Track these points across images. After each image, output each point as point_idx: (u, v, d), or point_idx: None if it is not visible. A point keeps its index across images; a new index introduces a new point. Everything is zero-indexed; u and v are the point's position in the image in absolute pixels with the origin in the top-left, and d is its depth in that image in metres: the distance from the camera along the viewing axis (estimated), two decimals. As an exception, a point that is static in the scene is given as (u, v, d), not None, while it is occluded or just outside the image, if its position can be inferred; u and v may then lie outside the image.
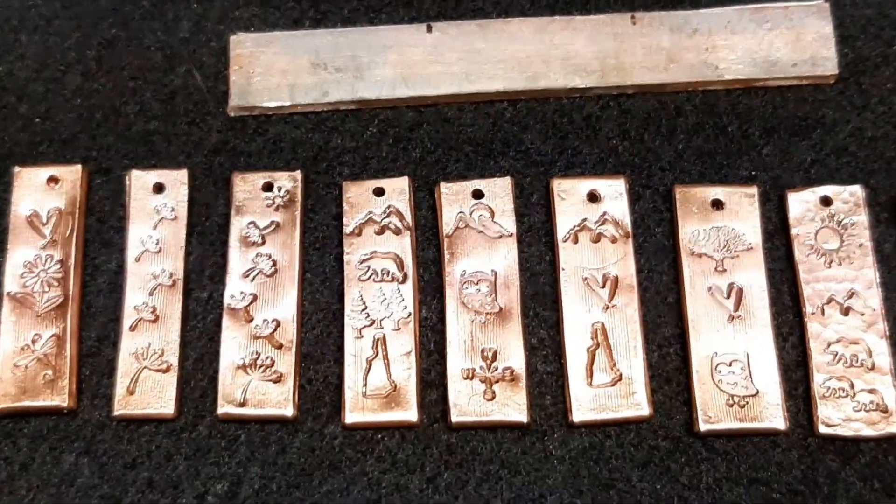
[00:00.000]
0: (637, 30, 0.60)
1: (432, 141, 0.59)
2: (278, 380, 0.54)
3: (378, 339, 0.55)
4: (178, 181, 0.58)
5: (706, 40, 0.60)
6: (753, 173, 0.58)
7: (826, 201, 0.57)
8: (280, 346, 0.55)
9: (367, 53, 0.60)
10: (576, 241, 0.57)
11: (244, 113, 0.60)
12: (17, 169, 0.58)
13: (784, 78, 0.59)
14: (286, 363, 0.55)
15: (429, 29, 0.60)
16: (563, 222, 0.57)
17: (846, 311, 0.54)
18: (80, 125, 0.60)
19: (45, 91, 0.61)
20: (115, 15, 0.62)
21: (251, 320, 0.55)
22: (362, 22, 0.62)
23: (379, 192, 0.58)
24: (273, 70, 0.60)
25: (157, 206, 0.58)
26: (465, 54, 0.60)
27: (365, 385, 0.54)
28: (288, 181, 0.58)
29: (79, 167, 0.58)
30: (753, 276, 0.55)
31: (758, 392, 0.53)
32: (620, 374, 0.54)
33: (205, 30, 0.62)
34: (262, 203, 0.57)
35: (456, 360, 0.54)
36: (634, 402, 0.54)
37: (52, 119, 0.60)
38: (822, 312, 0.55)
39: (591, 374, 0.54)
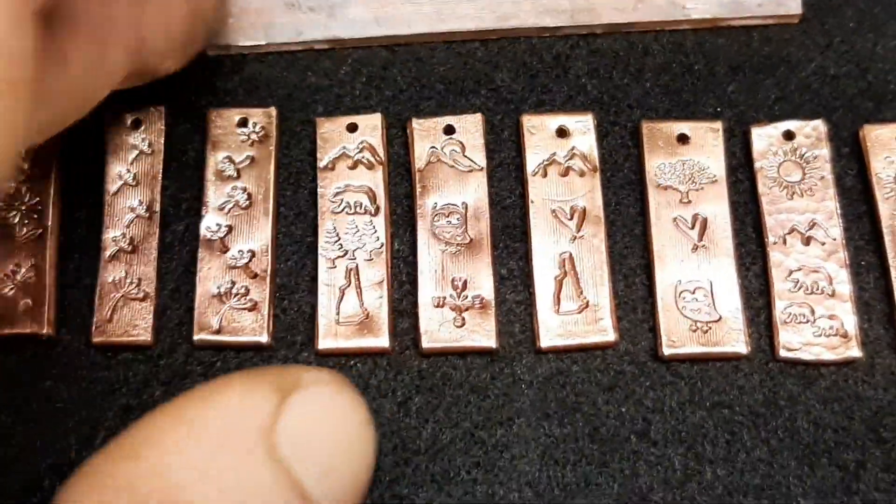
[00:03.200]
0: (606, -30, 0.61)
1: (405, 80, 0.61)
2: (253, 308, 0.55)
3: (351, 270, 0.56)
4: (154, 117, 0.59)
5: (674, -19, 0.61)
6: (719, 110, 0.59)
7: (789, 136, 0.58)
8: (255, 276, 0.56)
9: (340, -7, 0.61)
10: (545, 175, 0.58)
11: (220, 52, 0.61)
12: (-4, 105, 0.59)
13: (750, 18, 0.60)
14: (261, 292, 0.56)
15: (400, -32, 0.62)
16: (533, 157, 0.58)
17: (807, 241, 0.56)
18: (59, 64, 0.61)
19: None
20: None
21: (226, 251, 0.57)
22: (336, -37, 0.63)
23: (352, 128, 0.59)
24: (248, 10, 0.61)
25: (134, 141, 0.59)
26: (436, -6, 0.61)
27: (338, 313, 0.55)
28: (263, 117, 0.59)
29: (58, 104, 0.59)
30: (717, 208, 0.57)
31: (720, 318, 0.55)
32: (587, 302, 0.55)
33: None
34: (237, 138, 0.59)
35: (427, 290, 0.56)
36: (600, 329, 0.55)
37: (32, 59, 0.61)
38: (784, 242, 0.56)
39: (558, 302, 0.55)
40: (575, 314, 0.55)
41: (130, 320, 0.56)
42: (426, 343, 0.55)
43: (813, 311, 0.55)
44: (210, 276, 0.56)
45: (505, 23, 0.61)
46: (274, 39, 0.61)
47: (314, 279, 0.56)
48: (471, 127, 0.59)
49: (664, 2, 0.60)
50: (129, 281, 0.56)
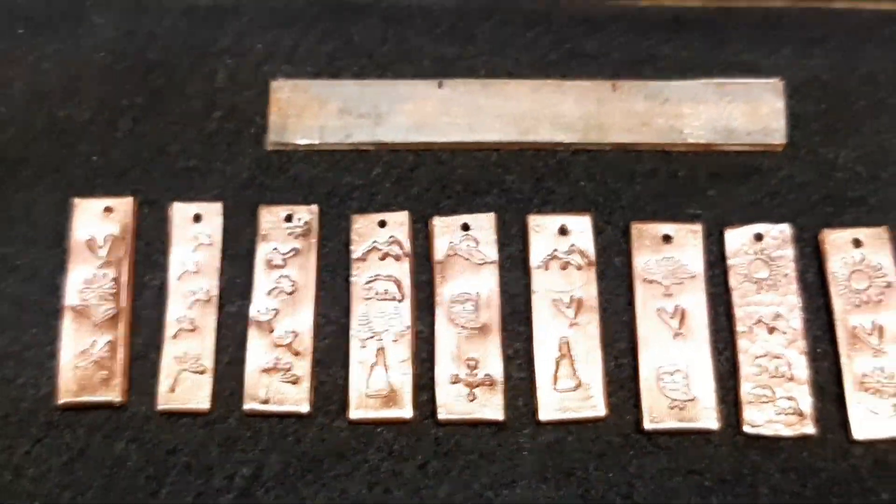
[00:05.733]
0: (617, 96, 0.69)
1: (428, 180, 0.68)
2: (295, 381, 0.63)
3: (379, 349, 0.64)
4: (213, 212, 0.67)
5: (675, 108, 0.69)
6: (699, 212, 0.67)
7: (758, 237, 0.65)
8: (297, 353, 0.64)
9: (387, 104, 0.69)
10: (547, 268, 0.65)
11: (280, 148, 0.69)
12: (76, 200, 0.67)
13: (739, 144, 0.68)
14: (302, 367, 0.63)
15: (440, 85, 0.70)
16: (537, 252, 0.66)
17: (771, 331, 0.63)
18: (131, 162, 0.69)
19: (102, 132, 0.70)
20: (161, 68, 0.72)
21: (273, 331, 0.64)
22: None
23: (382, 224, 0.67)
24: (306, 113, 0.69)
25: (195, 233, 0.67)
26: (469, 109, 0.69)
27: (367, 387, 0.63)
28: (306, 213, 0.67)
29: (130, 199, 0.67)
30: (695, 300, 0.64)
31: (695, 397, 0.62)
32: (581, 381, 0.63)
33: (238, 81, 0.71)
34: (283, 232, 0.66)
35: (444, 367, 0.63)
36: (592, 405, 0.62)
37: (107, 157, 0.69)
38: (752, 331, 0.63)
39: (556, 381, 0.63)
40: (571, 391, 0.63)
41: (191, 390, 0.63)
42: (443, 415, 0.63)
43: (774, 393, 0.62)
44: (259, 352, 0.64)
45: (526, 136, 0.69)
46: (326, 140, 0.69)
47: (347, 356, 0.64)
48: (484, 224, 0.67)
49: (666, 126, 0.68)
50: (190, 356, 0.64)
